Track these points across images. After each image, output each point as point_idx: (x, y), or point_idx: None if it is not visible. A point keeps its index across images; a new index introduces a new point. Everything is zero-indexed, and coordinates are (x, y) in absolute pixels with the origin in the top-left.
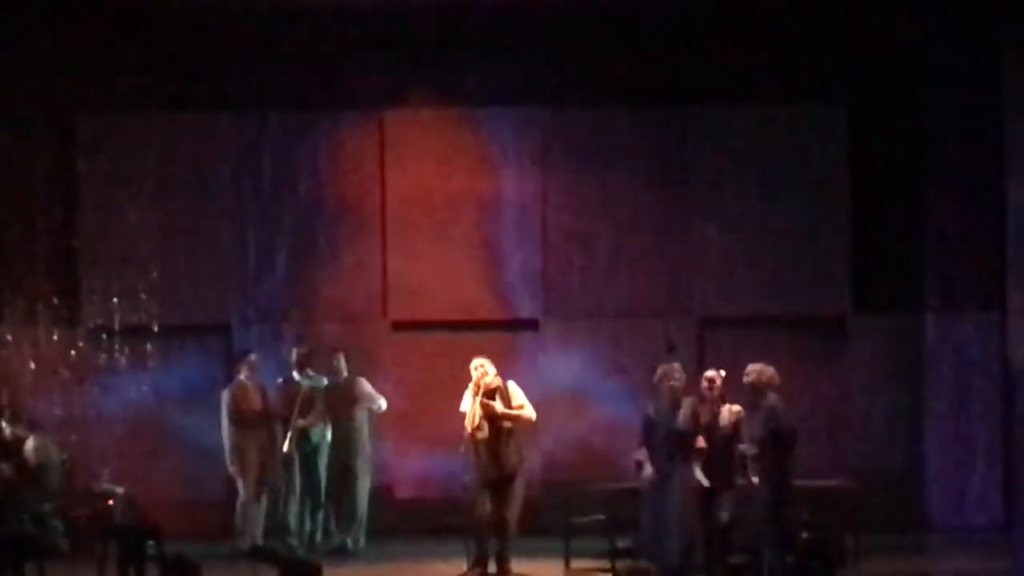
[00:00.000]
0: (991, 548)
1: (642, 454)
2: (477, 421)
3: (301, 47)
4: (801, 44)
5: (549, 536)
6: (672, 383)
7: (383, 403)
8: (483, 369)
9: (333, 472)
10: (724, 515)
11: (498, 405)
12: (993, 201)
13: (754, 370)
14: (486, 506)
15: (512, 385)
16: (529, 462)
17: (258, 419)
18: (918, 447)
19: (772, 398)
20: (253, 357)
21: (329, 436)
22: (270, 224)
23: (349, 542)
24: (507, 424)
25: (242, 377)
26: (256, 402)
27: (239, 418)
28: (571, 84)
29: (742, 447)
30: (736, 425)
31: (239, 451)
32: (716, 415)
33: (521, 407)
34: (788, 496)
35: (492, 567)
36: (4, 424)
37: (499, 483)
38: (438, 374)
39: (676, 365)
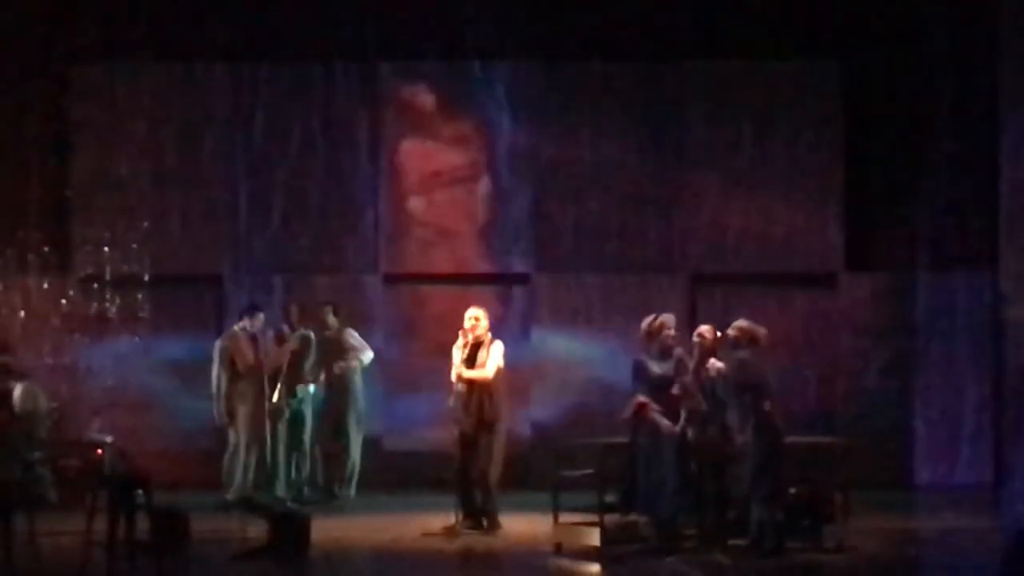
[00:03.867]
0: (980, 505)
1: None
2: (457, 372)
3: None
4: None
5: (538, 490)
6: (667, 331)
7: (369, 355)
8: (476, 321)
9: (326, 425)
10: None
11: (482, 357)
12: (986, 160)
13: (739, 327)
14: (464, 459)
15: (496, 345)
16: (513, 416)
17: (249, 371)
18: (908, 405)
19: (743, 354)
20: (260, 315)
21: (312, 389)
22: (262, 175)
23: (338, 493)
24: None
25: (236, 328)
26: (248, 354)
27: (230, 369)
28: (565, 38)
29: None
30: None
31: (229, 402)
32: (704, 370)
33: (483, 366)
34: (777, 452)
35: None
36: None
37: (475, 435)
38: (430, 328)
39: (671, 316)
